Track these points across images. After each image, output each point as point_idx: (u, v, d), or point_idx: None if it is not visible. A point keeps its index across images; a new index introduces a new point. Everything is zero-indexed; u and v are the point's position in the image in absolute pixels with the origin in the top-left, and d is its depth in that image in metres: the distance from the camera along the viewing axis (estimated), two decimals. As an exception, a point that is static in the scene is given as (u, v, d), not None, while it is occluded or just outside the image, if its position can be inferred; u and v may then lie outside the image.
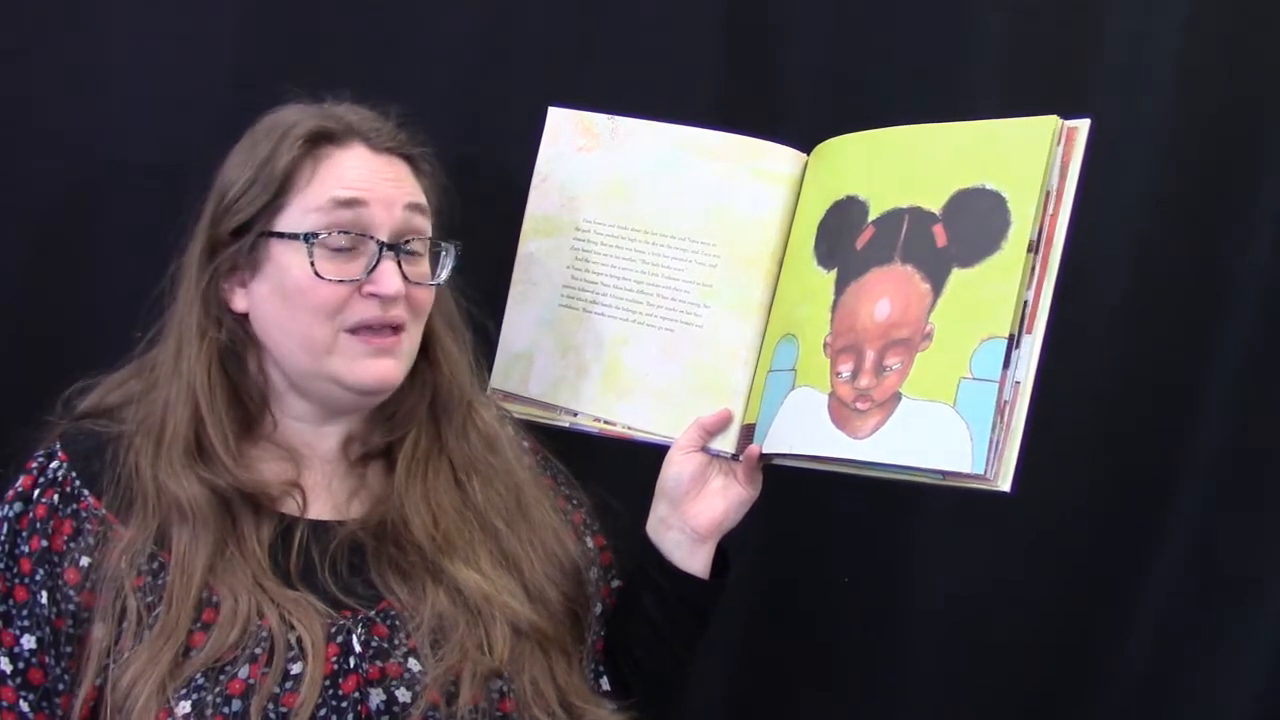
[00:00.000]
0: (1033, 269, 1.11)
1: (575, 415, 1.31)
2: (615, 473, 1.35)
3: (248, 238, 1.13)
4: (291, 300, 1.12)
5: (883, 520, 1.55)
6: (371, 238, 1.13)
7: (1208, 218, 1.54)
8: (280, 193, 1.12)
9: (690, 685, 1.31)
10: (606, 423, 1.29)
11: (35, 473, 1.13)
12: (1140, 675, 1.57)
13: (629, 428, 1.28)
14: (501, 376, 1.34)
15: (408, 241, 1.14)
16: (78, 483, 1.12)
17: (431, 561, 1.14)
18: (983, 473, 1.07)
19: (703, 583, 1.22)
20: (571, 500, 1.28)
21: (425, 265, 1.17)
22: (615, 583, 1.29)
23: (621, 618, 1.26)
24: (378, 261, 1.12)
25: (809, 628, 1.62)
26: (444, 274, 1.19)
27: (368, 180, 1.13)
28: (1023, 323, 1.10)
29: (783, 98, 1.56)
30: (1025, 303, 1.10)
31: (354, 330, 1.12)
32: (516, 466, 1.23)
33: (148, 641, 1.05)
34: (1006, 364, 1.09)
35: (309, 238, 1.11)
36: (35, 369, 1.30)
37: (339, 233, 1.11)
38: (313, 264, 1.11)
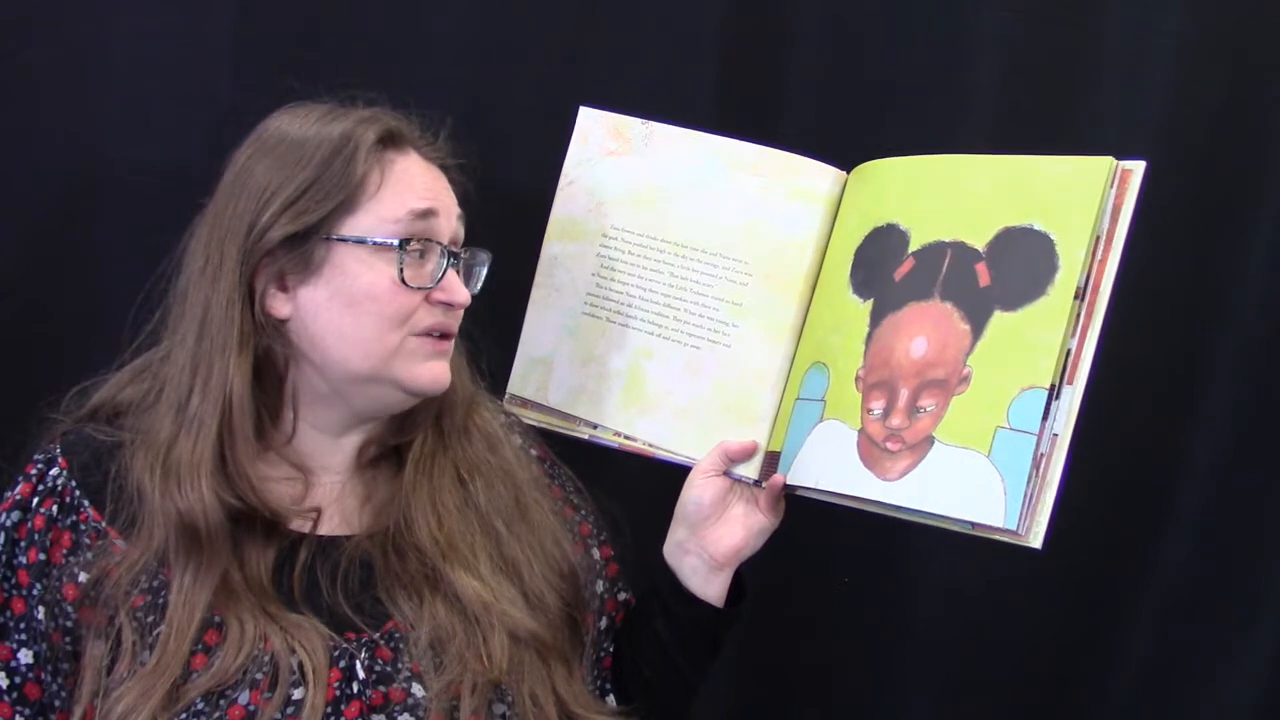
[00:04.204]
0: (1078, 317, 1.07)
1: (595, 428, 1.27)
2: (628, 481, 1.33)
3: (307, 243, 1.09)
4: (360, 306, 1.09)
5: (883, 520, 1.55)
6: (440, 245, 1.12)
7: (1208, 218, 1.52)
8: (350, 198, 1.09)
9: (696, 703, 1.29)
10: (627, 438, 1.26)
11: (34, 480, 1.10)
12: (1140, 676, 1.57)
13: (650, 444, 1.25)
14: (519, 382, 1.31)
15: (465, 250, 1.15)
16: (77, 493, 1.09)
17: (432, 567, 1.12)
18: (1015, 529, 1.05)
19: (718, 610, 1.20)
20: (580, 510, 1.26)
21: None
22: (623, 595, 1.27)
23: (632, 639, 1.24)
24: (445, 270, 1.12)
25: (809, 629, 1.61)
26: (479, 285, 1.17)
27: (433, 189, 1.14)
28: (1064, 373, 1.07)
29: (783, 98, 1.54)
30: (1068, 352, 1.07)
31: (419, 334, 1.12)
32: (516, 467, 1.21)
33: (141, 676, 1.02)
34: (1045, 415, 1.06)
35: (403, 244, 1.09)
36: (35, 369, 1.27)
37: (424, 241, 1.11)
38: (401, 270, 1.09)
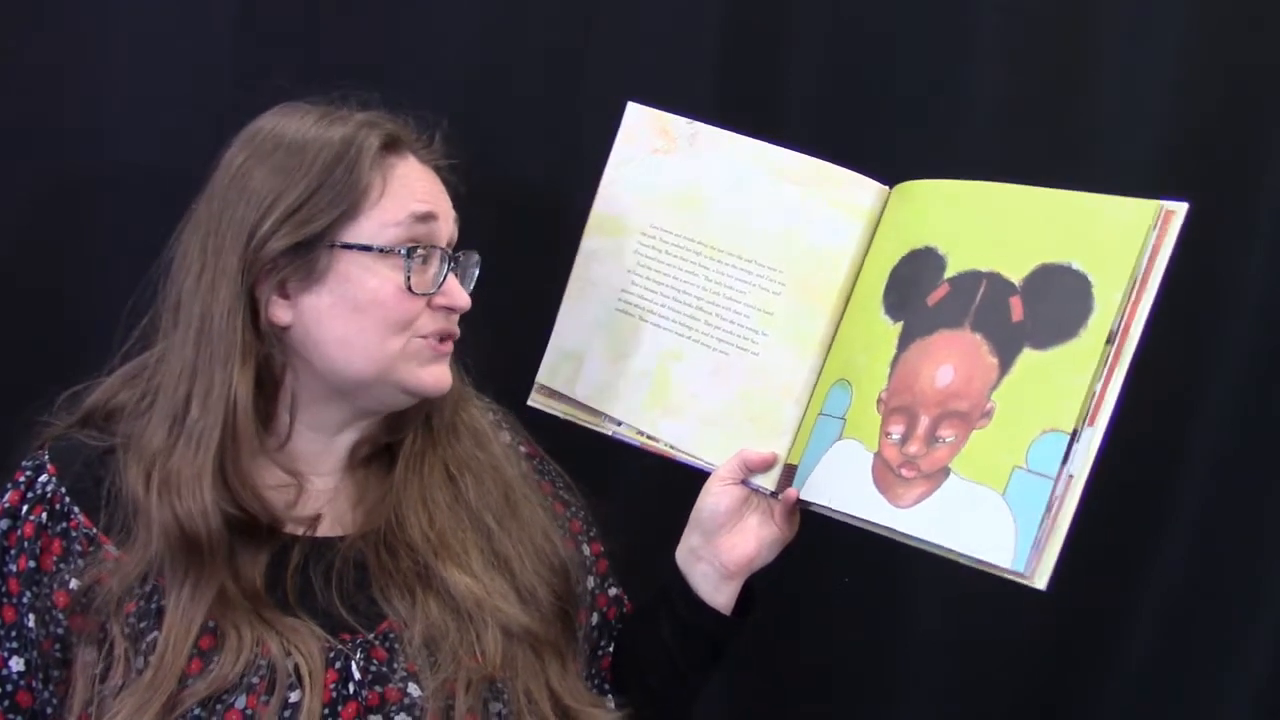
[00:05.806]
0: (1106, 360, 1.06)
1: (619, 425, 1.28)
2: (640, 485, 1.35)
3: (311, 251, 1.08)
4: (365, 312, 1.09)
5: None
6: (441, 249, 1.12)
7: (1207, 218, 1.48)
8: (353, 205, 1.08)
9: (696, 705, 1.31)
10: (650, 437, 1.27)
11: (23, 487, 1.11)
12: (1140, 676, 1.58)
13: (671, 446, 1.25)
14: (549, 374, 1.31)
15: (461, 253, 1.15)
16: (67, 499, 1.10)
17: (424, 564, 1.13)
18: (1022, 570, 1.04)
19: (724, 619, 1.21)
20: (570, 506, 1.27)
21: None
22: (613, 590, 1.28)
23: (637, 642, 1.26)
24: (446, 274, 1.12)
25: (809, 629, 1.62)
26: (471, 285, 1.17)
27: (432, 192, 1.13)
28: (1086, 416, 1.05)
29: (783, 98, 1.53)
30: (1093, 395, 1.06)
31: (421, 337, 1.12)
32: (504, 463, 1.22)
33: (136, 690, 1.03)
34: (1065, 460, 1.05)
35: (409, 252, 1.09)
36: (33, 369, 1.26)
37: (428, 247, 1.11)
38: (408, 278, 1.09)
